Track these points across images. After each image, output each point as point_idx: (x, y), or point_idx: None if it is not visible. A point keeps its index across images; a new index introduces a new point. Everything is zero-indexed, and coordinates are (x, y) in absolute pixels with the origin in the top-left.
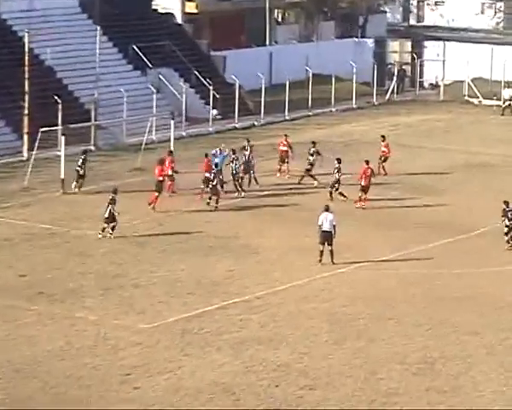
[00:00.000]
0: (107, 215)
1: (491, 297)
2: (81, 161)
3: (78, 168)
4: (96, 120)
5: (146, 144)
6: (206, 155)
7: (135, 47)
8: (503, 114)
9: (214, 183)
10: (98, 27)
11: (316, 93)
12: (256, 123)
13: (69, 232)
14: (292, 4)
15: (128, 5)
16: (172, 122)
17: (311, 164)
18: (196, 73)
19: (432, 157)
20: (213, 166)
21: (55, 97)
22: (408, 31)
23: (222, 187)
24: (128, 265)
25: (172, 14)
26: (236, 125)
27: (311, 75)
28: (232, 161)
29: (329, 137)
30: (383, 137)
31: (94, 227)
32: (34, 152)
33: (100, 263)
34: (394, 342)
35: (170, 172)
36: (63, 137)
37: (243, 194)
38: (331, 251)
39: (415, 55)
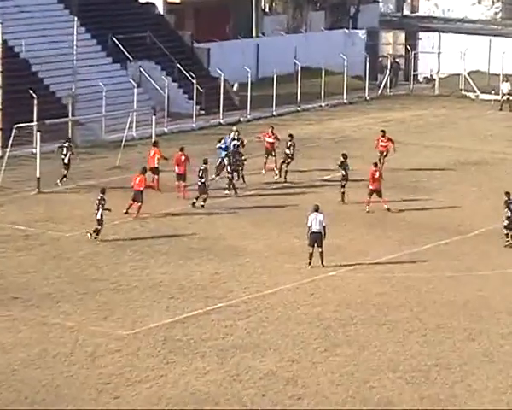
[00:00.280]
0: (99, 217)
1: (488, 301)
2: (65, 149)
3: (63, 157)
4: (73, 116)
5: (126, 141)
6: (182, 149)
7: (114, 39)
8: (501, 109)
9: (202, 181)
10: (75, 18)
11: (305, 87)
12: (242, 119)
13: (45, 234)
14: None
15: None
16: (154, 118)
17: (290, 157)
18: (179, 66)
19: (426, 155)
20: (203, 163)
21: (31, 92)
22: (401, 21)
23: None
24: (107, 268)
25: (154, 4)
26: (221, 121)
27: (299, 68)
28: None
29: (319, 134)
30: (383, 132)
31: (71, 228)
32: (8, 149)
33: (77, 266)
34: (387, 349)
35: (156, 165)
36: (39, 134)
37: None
38: (321, 253)
39: (409, 48)
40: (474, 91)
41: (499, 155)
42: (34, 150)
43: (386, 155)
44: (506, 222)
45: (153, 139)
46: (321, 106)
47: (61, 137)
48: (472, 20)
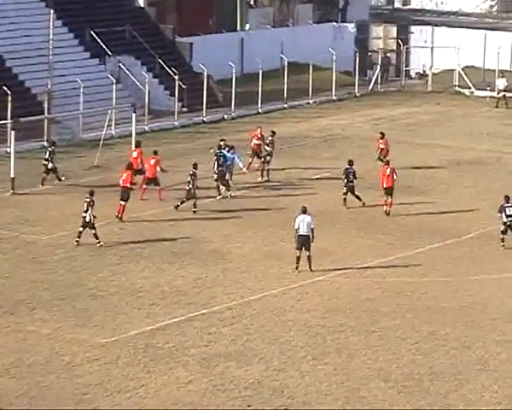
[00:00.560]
0: (88, 219)
1: (483, 307)
2: (48, 153)
3: (45, 162)
4: (49, 114)
5: (105, 140)
6: (156, 153)
7: (92, 33)
8: (497, 106)
9: (190, 186)
10: (52, 11)
11: (292, 83)
12: (226, 116)
13: (19, 237)
14: None
15: None
16: (134, 115)
17: (269, 155)
18: (160, 61)
19: (419, 154)
20: (192, 168)
21: (5, 88)
22: (393, 15)
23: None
24: (85, 273)
25: None
26: (204, 119)
27: (286, 63)
28: (218, 158)
29: (307, 132)
30: (382, 134)
31: (47, 231)
32: None
33: (54, 271)
34: (378, 358)
35: (140, 167)
36: (13, 132)
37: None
38: (309, 257)
39: (400, 42)
40: (469, 88)
41: (495, 154)
42: (8, 149)
43: (385, 156)
44: (502, 228)
45: (133, 138)
46: (309, 103)
47: (37, 136)
48: (466, 14)
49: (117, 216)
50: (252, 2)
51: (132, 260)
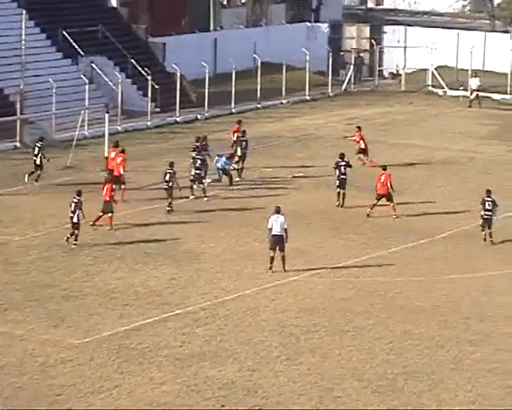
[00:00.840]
0: (75, 220)
1: (457, 307)
2: (37, 149)
3: (35, 158)
4: (22, 114)
5: (78, 140)
6: (123, 151)
7: (65, 33)
8: (470, 106)
9: (169, 185)
10: (24, 11)
11: (265, 83)
12: (199, 116)
13: None
14: None
15: None
16: (107, 116)
17: (243, 154)
18: (133, 61)
19: (392, 153)
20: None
21: None
22: (366, 15)
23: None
24: (58, 273)
25: None
26: (177, 119)
27: (259, 63)
28: (195, 161)
29: (280, 132)
30: (359, 128)
31: (20, 232)
32: None
33: (27, 272)
34: (352, 357)
35: (122, 171)
36: None
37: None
38: (283, 257)
39: (373, 42)
40: (442, 87)
41: (468, 154)
42: None
43: (362, 152)
44: (481, 221)
45: (106, 138)
46: (282, 103)
47: (9, 137)
48: (439, 13)
49: (93, 224)
50: (225, 3)
51: (106, 260)
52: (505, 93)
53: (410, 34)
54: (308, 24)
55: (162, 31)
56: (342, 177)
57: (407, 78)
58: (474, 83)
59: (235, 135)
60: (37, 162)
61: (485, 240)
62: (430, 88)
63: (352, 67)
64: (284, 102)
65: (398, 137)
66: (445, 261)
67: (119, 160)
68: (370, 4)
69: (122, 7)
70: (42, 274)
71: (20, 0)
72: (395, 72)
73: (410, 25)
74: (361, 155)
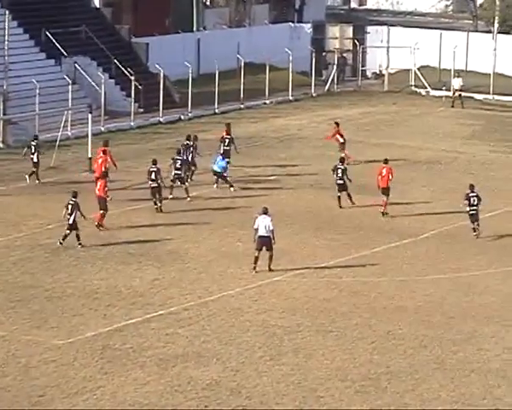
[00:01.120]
0: (71, 222)
1: (440, 306)
2: (33, 147)
3: (32, 156)
4: (5, 115)
5: (61, 141)
6: (104, 152)
7: (48, 33)
8: (453, 106)
9: (156, 184)
10: (7, 11)
11: (248, 84)
12: (182, 117)
13: None
14: None
15: None
16: (90, 116)
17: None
18: (116, 61)
19: (375, 153)
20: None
21: None
22: (349, 15)
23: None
24: (41, 274)
25: None
26: (161, 120)
27: (242, 64)
28: (175, 162)
29: (263, 132)
30: (337, 123)
31: (3, 233)
32: None
33: (9, 273)
34: (335, 358)
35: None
36: None
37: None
38: (270, 256)
39: (356, 42)
40: (425, 87)
41: (452, 154)
42: None
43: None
44: (469, 217)
45: (89, 138)
46: (265, 103)
47: None
48: (422, 14)
49: (98, 225)
50: (208, 3)
51: (88, 261)
52: (488, 93)
53: (392, 34)
54: (291, 24)
55: (145, 31)
56: (339, 181)
57: (390, 78)
58: (456, 83)
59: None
60: (35, 160)
61: (474, 230)
62: (413, 88)
63: (334, 67)
64: (267, 102)
65: (381, 137)
66: (428, 261)
67: (100, 160)
68: (353, 4)
69: (105, 7)
70: (25, 275)
71: (3, 0)
72: (378, 72)
73: (392, 25)
74: (346, 152)
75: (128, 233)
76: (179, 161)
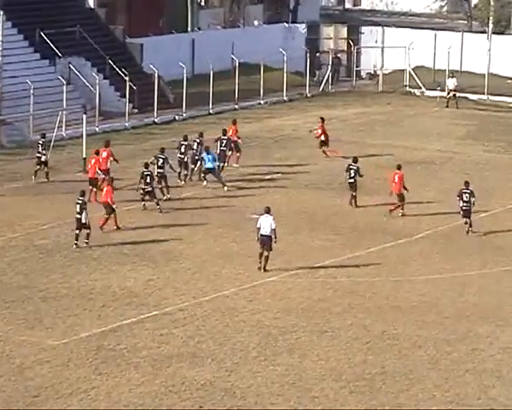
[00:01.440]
0: (83, 221)
1: (434, 306)
2: (40, 146)
3: (39, 155)
4: None
5: (55, 141)
6: (97, 153)
7: (42, 34)
8: (447, 106)
9: (150, 188)
10: (1, 12)
11: (243, 84)
12: (177, 117)
13: None
14: None
15: None
16: (84, 117)
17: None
18: (110, 62)
19: (369, 154)
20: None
21: None
22: (343, 15)
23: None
24: (35, 275)
25: None
26: (155, 120)
27: (237, 64)
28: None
29: (258, 132)
30: (322, 119)
31: None
32: None
33: (4, 273)
34: (330, 358)
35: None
36: None
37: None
38: (266, 257)
39: (351, 42)
40: (420, 88)
41: (446, 154)
42: None
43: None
44: (462, 213)
45: (83, 139)
46: (260, 103)
47: None
48: (416, 14)
49: (117, 228)
50: (202, 3)
51: (83, 261)
52: (482, 93)
53: (387, 35)
54: (286, 25)
55: (140, 31)
56: (350, 180)
57: (384, 78)
58: (451, 83)
59: (236, 135)
60: (43, 159)
61: (467, 232)
62: (407, 88)
63: (328, 67)
64: (262, 102)
65: (376, 137)
66: (423, 262)
67: (93, 161)
68: (348, 5)
69: (100, 8)
70: (19, 275)
71: None
72: (372, 72)
73: (387, 25)
74: (324, 148)
75: (122, 234)
76: (161, 159)
